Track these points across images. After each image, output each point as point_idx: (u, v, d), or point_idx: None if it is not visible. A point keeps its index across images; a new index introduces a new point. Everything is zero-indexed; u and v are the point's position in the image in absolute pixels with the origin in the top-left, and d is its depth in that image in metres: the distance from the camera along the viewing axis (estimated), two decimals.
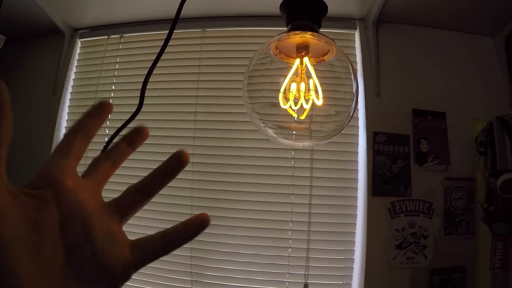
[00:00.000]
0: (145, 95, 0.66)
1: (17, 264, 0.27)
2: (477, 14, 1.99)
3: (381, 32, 2.10)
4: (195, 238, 0.40)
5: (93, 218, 0.34)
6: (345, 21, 2.12)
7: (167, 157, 0.42)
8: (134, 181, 0.42)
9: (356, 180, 1.99)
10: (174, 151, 0.42)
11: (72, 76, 2.34)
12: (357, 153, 2.01)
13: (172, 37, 0.74)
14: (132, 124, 0.60)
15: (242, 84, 0.96)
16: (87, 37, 2.35)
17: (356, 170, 2.00)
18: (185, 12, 0.82)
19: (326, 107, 0.96)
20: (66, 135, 0.37)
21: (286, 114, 0.96)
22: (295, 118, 0.97)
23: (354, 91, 0.95)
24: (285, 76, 0.96)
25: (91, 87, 2.29)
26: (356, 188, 1.99)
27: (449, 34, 2.14)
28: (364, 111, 2.01)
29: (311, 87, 0.94)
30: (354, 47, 2.13)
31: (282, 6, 0.92)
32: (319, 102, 0.94)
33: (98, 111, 0.40)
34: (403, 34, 2.13)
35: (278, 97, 0.95)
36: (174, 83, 2.18)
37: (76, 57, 2.36)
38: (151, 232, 0.38)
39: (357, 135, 2.02)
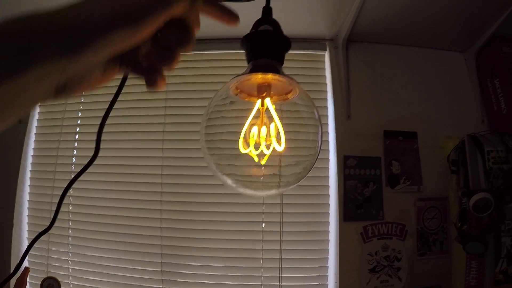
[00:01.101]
0: (111, 122, 0.62)
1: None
2: (447, 30, 1.99)
3: (351, 52, 2.09)
4: None
5: None
6: (315, 42, 2.09)
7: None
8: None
9: (328, 205, 1.98)
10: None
11: (37, 109, 2.27)
12: (328, 177, 2.00)
13: None
14: (91, 169, 0.59)
15: (200, 127, 0.92)
16: None
17: (328, 195, 1.98)
18: None
19: (288, 152, 0.92)
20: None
21: (247, 160, 0.91)
22: (257, 163, 0.92)
23: (319, 132, 0.91)
24: (246, 117, 0.92)
25: (57, 114, 2.22)
26: (328, 213, 1.97)
27: (420, 51, 2.14)
28: (334, 135, 1.99)
29: (272, 131, 0.90)
30: (324, 69, 2.11)
31: (242, 42, 0.87)
32: (281, 148, 0.90)
33: (226, 13, 0.53)
34: (373, 53, 2.12)
35: (238, 141, 0.91)
36: (141, 109, 2.13)
37: None
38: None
39: (327, 159, 2.01)
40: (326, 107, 2.07)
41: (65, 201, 0.64)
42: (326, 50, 2.09)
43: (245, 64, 0.83)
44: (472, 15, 1.84)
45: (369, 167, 1.95)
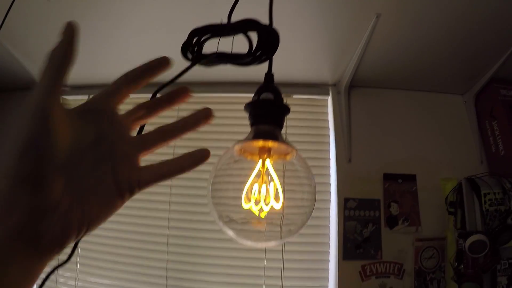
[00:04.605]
0: None
1: (56, 153, 0.37)
2: (447, 73, 2.06)
3: (352, 96, 2.17)
4: None
5: (118, 143, 0.43)
6: (319, 87, 2.19)
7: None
8: None
9: (328, 244, 2.04)
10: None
11: None
12: (329, 218, 2.07)
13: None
14: None
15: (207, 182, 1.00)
16: (67, 95, 2.35)
17: (328, 235, 2.05)
18: (165, 77, 0.85)
19: (285, 208, 1.00)
20: (116, 80, 0.46)
21: (248, 214, 0.99)
22: (257, 217, 1.00)
23: (313, 191, 0.98)
24: (248, 175, 1.00)
25: None
26: (328, 252, 2.03)
27: (420, 95, 2.21)
28: (336, 177, 2.06)
29: (271, 191, 0.98)
30: (327, 113, 2.19)
31: (245, 107, 0.96)
32: (278, 206, 0.98)
33: (153, 66, 0.48)
34: (374, 97, 2.20)
35: (240, 198, 0.99)
36: None
37: None
38: None
39: (328, 201, 2.08)
40: (328, 151, 2.15)
41: None
42: (329, 95, 2.18)
43: None
44: (471, 59, 1.92)
45: (369, 208, 2.02)
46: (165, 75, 0.52)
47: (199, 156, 0.47)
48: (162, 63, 0.49)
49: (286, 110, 0.97)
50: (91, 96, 0.45)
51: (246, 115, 0.91)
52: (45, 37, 1.90)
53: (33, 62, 2.12)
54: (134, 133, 0.48)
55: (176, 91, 0.51)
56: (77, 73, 2.21)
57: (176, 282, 2.07)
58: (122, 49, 1.97)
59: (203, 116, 0.50)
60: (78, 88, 2.36)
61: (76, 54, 0.40)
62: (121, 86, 0.46)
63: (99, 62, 2.05)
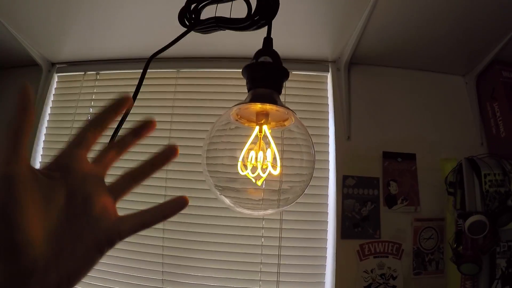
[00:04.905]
0: None
1: (26, 219, 0.37)
2: (449, 54, 2.04)
3: (353, 74, 2.15)
4: None
5: (93, 196, 0.44)
6: (318, 64, 2.16)
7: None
8: None
9: (326, 222, 2.02)
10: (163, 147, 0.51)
11: (48, 111, 2.33)
12: (327, 195, 2.04)
13: (146, 76, 0.77)
14: None
15: (201, 151, 0.97)
16: (64, 72, 2.35)
17: (326, 213, 2.02)
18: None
19: (283, 176, 0.97)
20: (81, 128, 0.46)
21: (245, 182, 0.96)
22: (254, 184, 0.97)
23: (312, 159, 0.96)
24: (245, 142, 0.97)
25: (66, 123, 2.28)
26: (326, 231, 2.01)
27: (421, 74, 2.19)
28: (334, 155, 2.04)
29: (269, 157, 0.96)
30: (326, 90, 2.16)
31: (243, 71, 0.93)
32: (276, 172, 0.95)
33: (115, 107, 0.47)
34: (375, 75, 2.17)
35: (236, 165, 0.96)
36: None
37: (53, 91, 2.35)
38: None
39: (327, 178, 2.05)
40: (327, 128, 2.12)
41: None
42: (328, 71, 2.15)
43: None
44: (473, 39, 1.89)
45: (368, 187, 2.00)
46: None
47: (180, 203, 0.49)
48: (123, 102, 0.48)
49: (285, 74, 0.94)
50: (58, 151, 0.45)
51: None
52: (41, 13, 1.88)
53: (29, 38, 2.09)
54: (106, 178, 0.48)
55: (140, 125, 0.50)
56: (72, 48, 2.20)
57: (173, 261, 2.05)
58: (127, 23, 1.94)
59: (169, 154, 0.51)
60: (74, 64, 2.34)
61: (33, 118, 0.40)
62: (87, 135, 0.46)
63: (103, 36, 2.05)
